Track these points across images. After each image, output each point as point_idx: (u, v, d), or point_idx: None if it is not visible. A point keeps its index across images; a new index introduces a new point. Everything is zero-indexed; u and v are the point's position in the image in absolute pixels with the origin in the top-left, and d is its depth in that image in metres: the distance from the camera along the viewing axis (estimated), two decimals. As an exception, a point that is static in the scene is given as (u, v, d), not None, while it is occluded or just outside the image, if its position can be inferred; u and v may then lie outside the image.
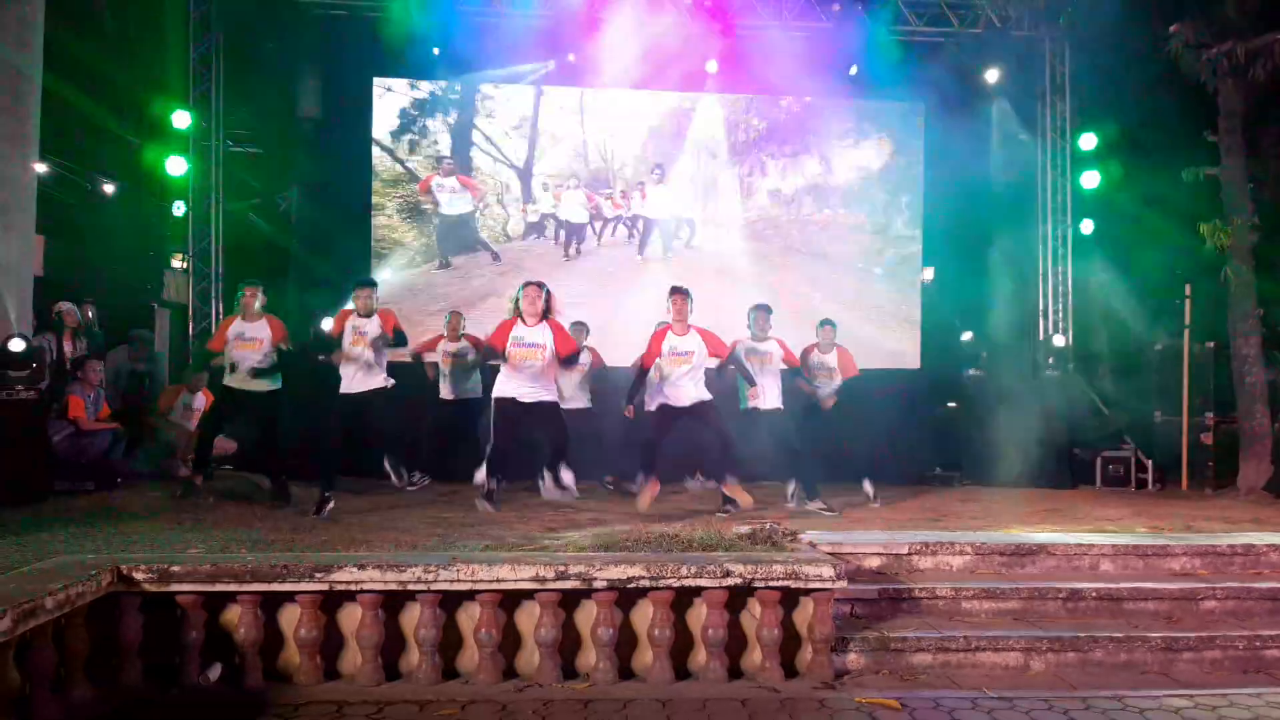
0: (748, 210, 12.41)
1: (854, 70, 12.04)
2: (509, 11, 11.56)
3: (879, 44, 11.80)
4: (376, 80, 12.01)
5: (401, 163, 12.03)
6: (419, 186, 11.91)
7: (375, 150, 11.96)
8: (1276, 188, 10.53)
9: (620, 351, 9.49)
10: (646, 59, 11.65)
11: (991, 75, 12.05)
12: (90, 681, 4.58)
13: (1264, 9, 9.70)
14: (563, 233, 12.19)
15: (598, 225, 12.21)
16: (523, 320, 7.35)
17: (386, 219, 11.98)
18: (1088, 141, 12.17)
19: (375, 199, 11.92)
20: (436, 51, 11.46)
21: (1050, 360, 11.87)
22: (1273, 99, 10.18)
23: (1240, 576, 6.15)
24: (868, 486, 8.67)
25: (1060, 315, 12.29)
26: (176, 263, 11.72)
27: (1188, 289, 10.56)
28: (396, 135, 12.03)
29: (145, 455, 9.16)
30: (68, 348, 9.14)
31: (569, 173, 12.21)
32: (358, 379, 7.69)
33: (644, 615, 5.08)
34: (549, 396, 7.47)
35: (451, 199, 11.95)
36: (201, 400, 9.78)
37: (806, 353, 8.67)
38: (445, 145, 12.09)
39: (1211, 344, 10.69)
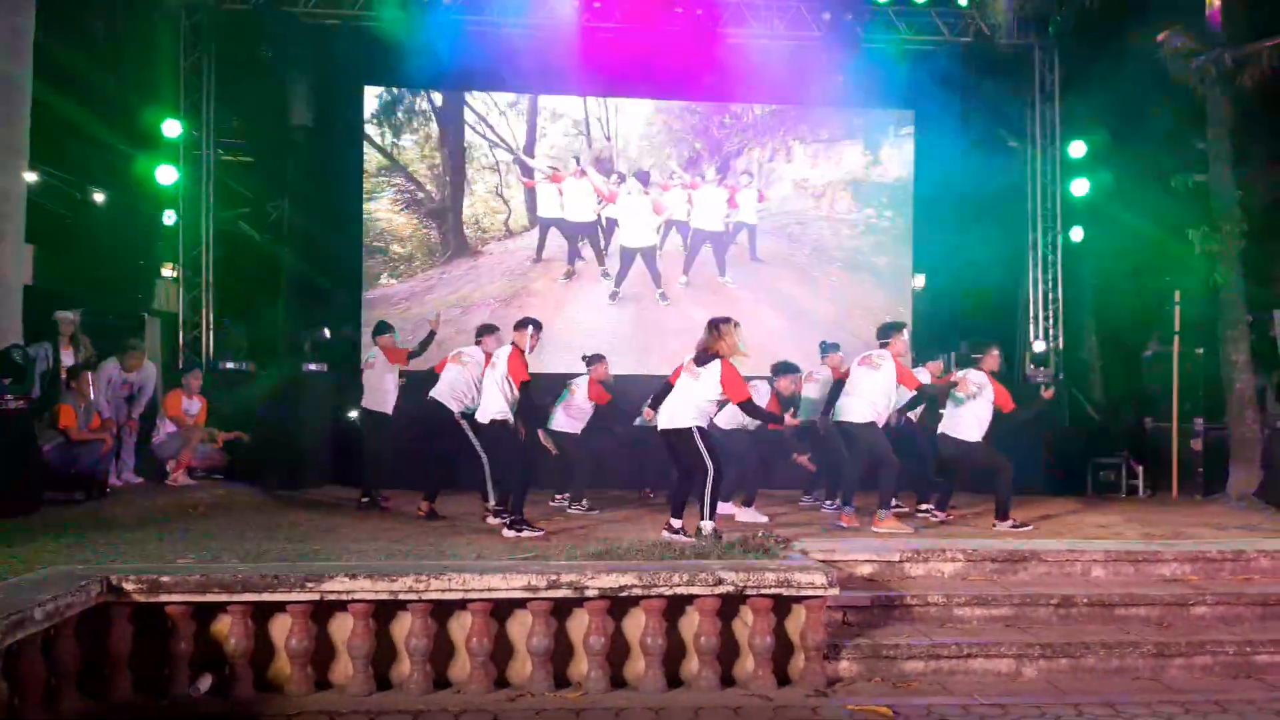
0: (735, 221, 12.42)
1: (844, 79, 12.08)
2: (501, 20, 11.57)
3: (869, 53, 11.85)
4: (367, 88, 12.03)
5: (396, 161, 12.05)
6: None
7: (366, 158, 11.97)
8: (1265, 194, 10.60)
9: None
10: (639, 68, 11.69)
11: (981, 83, 12.10)
12: (80, 693, 4.56)
13: (1251, 17, 9.78)
14: (566, 244, 12.16)
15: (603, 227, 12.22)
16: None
17: (380, 224, 12.00)
18: (1077, 149, 12.23)
19: (366, 206, 11.93)
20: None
21: (1039, 369, 11.91)
22: (1261, 106, 10.25)
23: (1230, 582, 6.18)
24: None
25: (1050, 322, 12.33)
26: (167, 271, 11.69)
27: (1177, 295, 10.59)
28: (387, 137, 12.07)
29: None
30: (65, 356, 9.08)
31: (569, 153, 12.23)
32: None
33: (636, 624, 5.07)
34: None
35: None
36: (198, 405, 9.77)
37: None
38: (437, 139, 12.12)
39: (1201, 350, 10.74)
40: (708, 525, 6.58)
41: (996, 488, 7.97)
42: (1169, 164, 10.78)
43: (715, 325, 6.85)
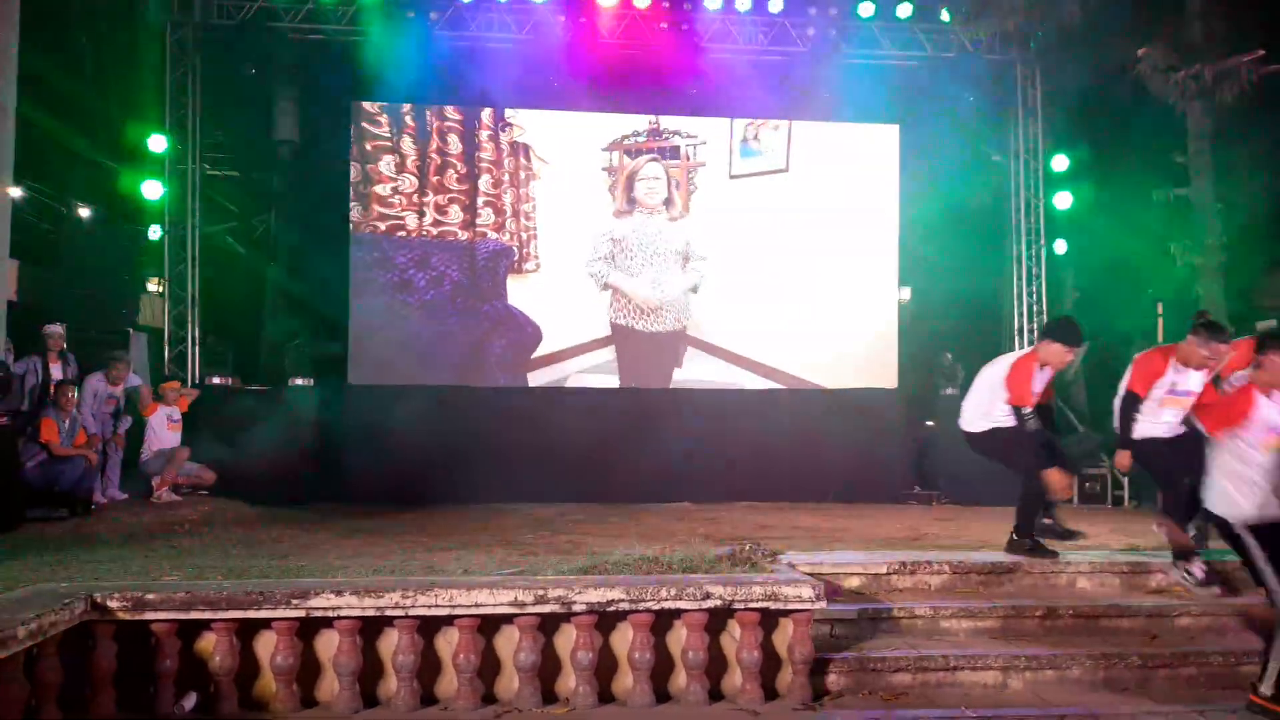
0: (723, 232, 12.45)
1: (828, 94, 12.16)
2: (486, 35, 11.62)
3: (853, 68, 11.94)
4: (354, 104, 12.02)
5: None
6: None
7: (353, 173, 11.95)
8: (1246, 208, 10.72)
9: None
10: (624, 82, 11.74)
11: (964, 98, 12.20)
12: (62, 711, 4.52)
13: (1230, 32, 9.91)
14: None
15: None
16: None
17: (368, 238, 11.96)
18: (1060, 163, 12.33)
19: (353, 220, 11.90)
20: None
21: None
22: (1240, 120, 10.37)
23: (1215, 593, 6.20)
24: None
25: (1035, 334, 12.39)
26: (152, 286, 11.66)
27: (1160, 308, 10.68)
28: (374, 158, 12.04)
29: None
30: (55, 371, 9.01)
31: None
32: None
33: (624, 638, 5.06)
34: None
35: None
36: (178, 413, 9.72)
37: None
38: (422, 167, 12.10)
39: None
40: None
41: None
42: (1150, 177, 10.91)
43: None
